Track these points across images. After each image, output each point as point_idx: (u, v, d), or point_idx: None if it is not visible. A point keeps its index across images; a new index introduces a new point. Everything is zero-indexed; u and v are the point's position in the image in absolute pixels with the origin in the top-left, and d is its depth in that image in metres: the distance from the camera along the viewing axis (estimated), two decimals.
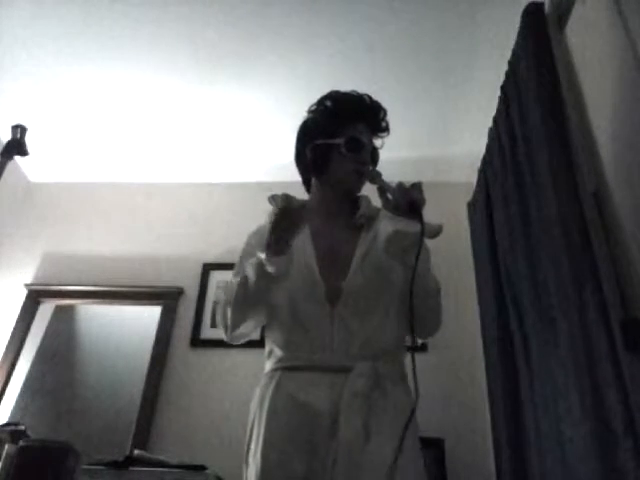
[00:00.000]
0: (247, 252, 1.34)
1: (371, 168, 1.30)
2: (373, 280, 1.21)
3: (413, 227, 1.10)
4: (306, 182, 1.43)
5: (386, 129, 1.36)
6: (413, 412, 1.07)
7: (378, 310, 1.20)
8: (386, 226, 1.17)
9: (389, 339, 1.19)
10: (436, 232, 1.15)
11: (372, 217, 1.34)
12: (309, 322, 1.17)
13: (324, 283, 1.20)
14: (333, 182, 1.33)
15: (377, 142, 1.37)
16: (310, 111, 1.39)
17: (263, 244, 1.16)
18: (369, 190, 1.38)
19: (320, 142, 1.31)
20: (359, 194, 1.39)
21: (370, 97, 1.35)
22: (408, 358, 1.14)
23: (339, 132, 1.29)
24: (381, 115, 1.35)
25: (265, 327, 1.29)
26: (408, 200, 1.13)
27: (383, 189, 1.19)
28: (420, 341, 1.38)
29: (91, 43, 2.41)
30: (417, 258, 1.09)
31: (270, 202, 1.41)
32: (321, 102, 1.37)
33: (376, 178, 1.23)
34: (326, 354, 1.14)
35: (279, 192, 1.40)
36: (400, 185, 1.16)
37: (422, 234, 1.09)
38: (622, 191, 1.39)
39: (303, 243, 1.26)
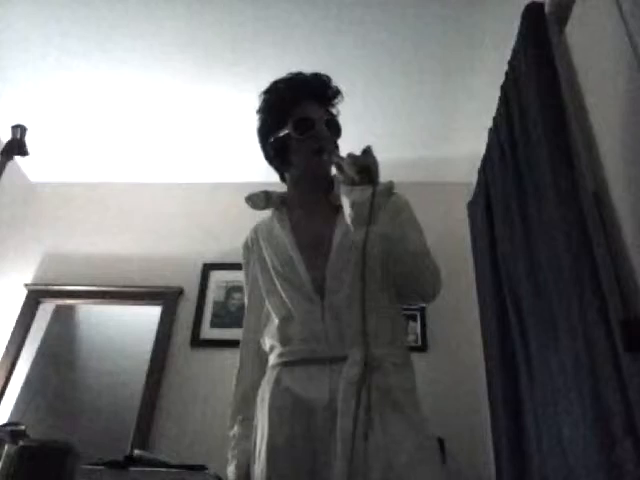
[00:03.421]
0: (245, 269, 1.38)
1: (333, 146, 1.25)
2: (354, 261, 1.16)
3: (367, 193, 1.05)
4: (283, 179, 1.39)
5: (336, 94, 1.31)
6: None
7: (364, 292, 1.12)
8: (345, 204, 1.10)
9: (381, 320, 1.15)
10: (388, 189, 1.10)
11: None
12: (301, 316, 1.17)
13: (309, 274, 1.18)
14: (300, 172, 1.30)
15: (334, 110, 1.32)
16: (257, 112, 1.34)
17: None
18: None
19: (272, 139, 1.28)
20: (334, 174, 1.31)
21: (305, 73, 1.30)
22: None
23: (287, 120, 1.25)
24: (324, 80, 1.29)
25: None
26: (358, 167, 1.07)
27: (340, 166, 1.12)
28: (422, 305, 1.32)
29: (90, 43, 2.42)
30: (369, 219, 1.03)
31: (247, 203, 1.35)
32: (261, 99, 1.33)
33: (331, 154, 1.18)
34: (321, 346, 1.12)
35: (258, 191, 1.35)
36: (349, 155, 1.10)
37: (373, 195, 1.03)
38: (622, 191, 1.39)
39: (284, 238, 1.25)
